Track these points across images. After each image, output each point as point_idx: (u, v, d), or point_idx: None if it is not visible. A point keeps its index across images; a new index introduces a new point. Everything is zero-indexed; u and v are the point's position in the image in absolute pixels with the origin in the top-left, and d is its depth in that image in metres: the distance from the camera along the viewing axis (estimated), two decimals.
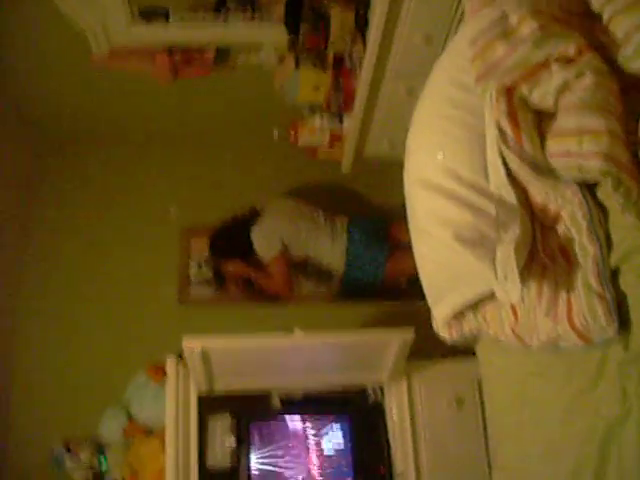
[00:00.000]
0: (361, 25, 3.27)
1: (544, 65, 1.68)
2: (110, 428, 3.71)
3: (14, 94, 4.01)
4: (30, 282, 4.08)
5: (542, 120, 1.73)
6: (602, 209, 1.69)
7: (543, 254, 1.76)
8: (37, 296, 4.04)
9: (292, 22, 3.48)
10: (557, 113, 1.69)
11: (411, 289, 3.77)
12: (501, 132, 1.69)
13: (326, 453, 3.39)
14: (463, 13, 2.91)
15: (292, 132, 3.96)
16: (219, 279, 4.17)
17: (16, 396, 3.83)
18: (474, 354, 2.50)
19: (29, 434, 3.74)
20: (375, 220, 4.07)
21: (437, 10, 2.99)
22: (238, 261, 4.02)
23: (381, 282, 3.94)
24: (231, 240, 4.00)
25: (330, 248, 3.90)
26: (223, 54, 3.82)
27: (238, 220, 4.01)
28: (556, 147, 1.66)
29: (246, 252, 3.95)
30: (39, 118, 4.26)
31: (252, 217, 3.97)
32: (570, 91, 1.65)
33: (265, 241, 3.90)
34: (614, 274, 1.64)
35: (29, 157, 4.32)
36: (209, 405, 3.36)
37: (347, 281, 3.98)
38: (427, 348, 3.26)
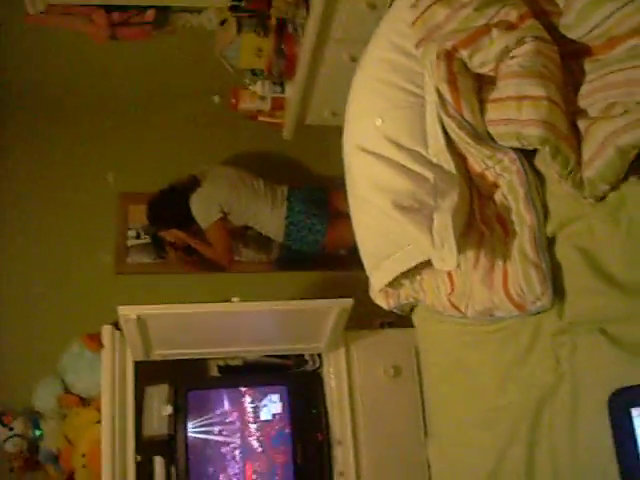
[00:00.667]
0: None
1: (485, 30, 1.66)
2: (44, 398, 3.63)
3: None
4: None
5: (482, 86, 1.72)
6: (539, 177, 1.69)
7: (480, 222, 1.76)
8: None
9: None
10: (497, 79, 1.68)
11: (351, 258, 3.77)
12: (441, 98, 1.67)
13: (264, 421, 3.38)
14: None
15: (233, 98, 3.90)
16: (158, 247, 4.11)
17: None
18: (412, 326, 2.51)
19: None
20: (315, 189, 4.07)
21: None
22: (177, 230, 3.96)
23: (321, 251, 3.94)
24: (170, 208, 3.93)
25: (270, 216, 3.88)
26: (163, 16, 3.73)
27: (177, 188, 3.94)
28: (495, 113, 1.65)
29: (185, 220, 3.90)
30: None
31: (192, 185, 3.91)
32: (510, 57, 1.63)
33: (204, 208, 3.85)
34: (550, 243, 1.65)
35: None
36: (146, 374, 3.32)
37: (287, 249, 3.97)
38: (365, 318, 3.31)
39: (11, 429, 3.58)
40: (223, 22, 3.66)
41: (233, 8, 3.50)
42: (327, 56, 3.48)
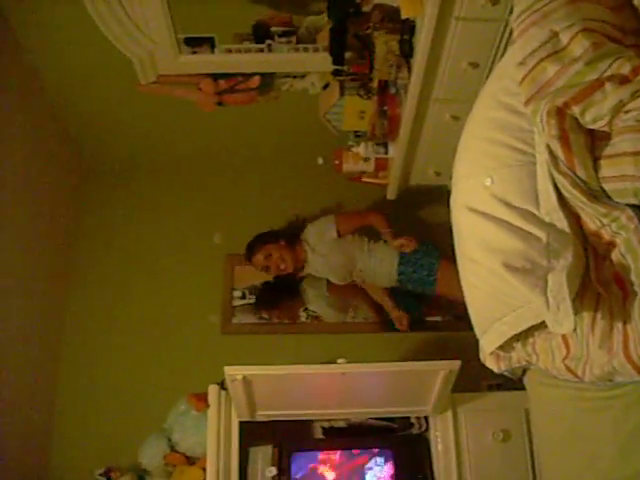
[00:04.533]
0: (406, 51, 3.23)
1: (597, 85, 1.61)
2: (151, 455, 3.69)
3: (63, 119, 4.08)
4: (76, 309, 4.11)
5: (595, 142, 1.67)
6: None
7: (597, 283, 1.68)
8: (83, 323, 4.08)
9: (337, 50, 3.47)
10: (611, 135, 1.63)
11: (457, 319, 3.71)
12: (552, 156, 1.63)
13: None
14: (510, 37, 2.89)
15: (336, 160, 3.94)
16: (263, 299, 4.15)
17: (60, 421, 3.86)
18: (521, 388, 2.42)
19: (70, 459, 3.77)
20: (423, 264, 3.96)
21: (483, 35, 2.94)
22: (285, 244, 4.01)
23: (435, 291, 3.90)
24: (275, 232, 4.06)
25: (379, 263, 3.87)
26: (267, 82, 3.83)
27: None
28: (611, 170, 1.60)
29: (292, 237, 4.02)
30: (86, 144, 4.32)
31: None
32: (625, 112, 1.58)
33: (319, 227, 3.99)
34: None
35: (74, 183, 4.37)
36: (251, 434, 3.33)
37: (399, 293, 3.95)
38: (473, 380, 3.23)
39: None
40: (326, 86, 3.73)
41: (336, 72, 3.55)
42: (429, 116, 3.48)
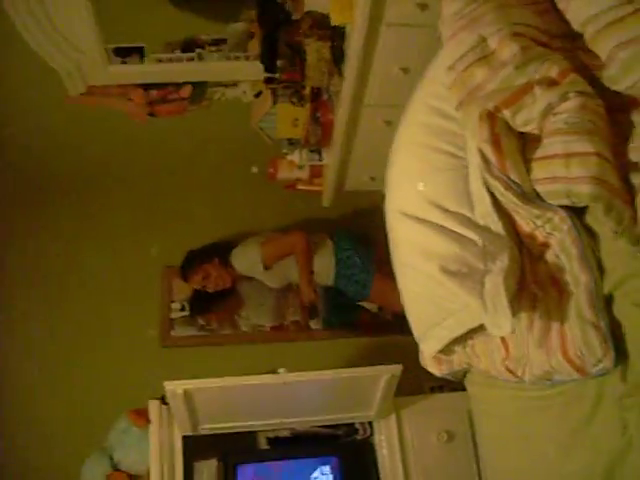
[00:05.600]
0: (337, 58, 3.25)
1: (527, 89, 1.63)
2: (92, 476, 3.60)
3: None
4: (8, 322, 3.98)
5: (526, 145, 1.69)
6: (592, 235, 1.65)
7: (533, 284, 1.70)
8: (17, 338, 3.95)
9: (268, 58, 3.46)
10: (542, 137, 1.65)
11: (396, 323, 3.72)
12: (484, 159, 1.64)
13: None
14: (439, 42, 2.92)
15: (271, 168, 3.93)
16: (197, 306, 4.11)
17: None
18: (463, 389, 2.44)
19: None
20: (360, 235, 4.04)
21: (413, 40, 2.96)
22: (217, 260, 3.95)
23: (368, 296, 3.93)
24: (207, 248, 4.00)
25: (317, 262, 3.86)
26: (199, 91, 3.80)
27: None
28: (542, 172, 1.61)
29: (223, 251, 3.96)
30: (12, 159, 4.19)
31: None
32: (554, 114, 1.60)
33: (246, 262, 3.90)
34: (608, 302, 1.58)
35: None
36: (194, 448, 3.29)
37: (333, 297, 3.94)
38: (414, 383, 3.24)
39: None
40: (258, 94, 3.72)
41: (268, 80, 3.54)
42: (362, 122, 3.49)
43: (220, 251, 3.94)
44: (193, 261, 3.93)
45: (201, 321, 4.12)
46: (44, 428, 3.76)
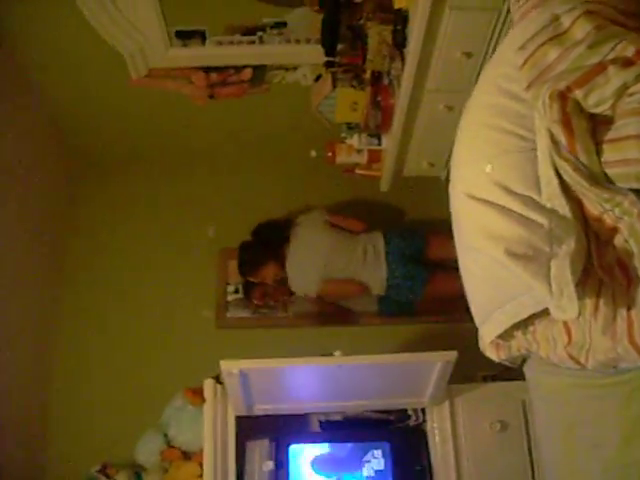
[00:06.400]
0: (399, 42, 3.22)
1: (600, 68, 1.58)
2: (147, 451, 3.68)
3: (54, 116, 4.05)
4: (68, 305, 4.08)
5: (598, 127, 1.65)
6: None
7: (599, 269, 1.66)
8: (75, 319, 4.05)
9: (329, 42, 3.45)
10: (615, 118, 1.61)
11: (454, 309, 3.70)
12: (554, 141, 1.61)
13: (366, 477, 3.31)
14: (504, 25, 2.88)
15: (329, 152, 3.93)
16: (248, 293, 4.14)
17: (54, 419, 3.84)
18: (517, 379, 2.41)
19: (66, 457, 3.74)
20: (411, 234, 4.02)
21: (476, 24, 2.94)
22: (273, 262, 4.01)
23: (420, 302, 3.91)
24: (262, 242, 4.04)
25: (369, 276, 3.88)
26: (259, 74, 3.81)
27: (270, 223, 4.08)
28: (614, 154, 1.57)
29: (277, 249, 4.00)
30: (77, 140, 4.28)
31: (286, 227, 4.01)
32: (629, 95, 1.56)
33: (302, 280, 3.96)
34: None
35: (65, 178, 4.34)
36: (247, 428, 3.31)
37: (385, 302, 3.96)
38: (468, 371, 3.22)
39: None
40: (318, 78, 3.71)
41: (328, 64, 3.53)
42: (423, 107, 3.47)
43: (277, 245, 3.95)
44: (250, 263, 4.02)
45: (255, 302, 4.16)
46: (103, 407, 3.86)
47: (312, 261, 3.91)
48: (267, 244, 4.01)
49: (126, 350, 4.00)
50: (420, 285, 3.88)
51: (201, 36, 3.64)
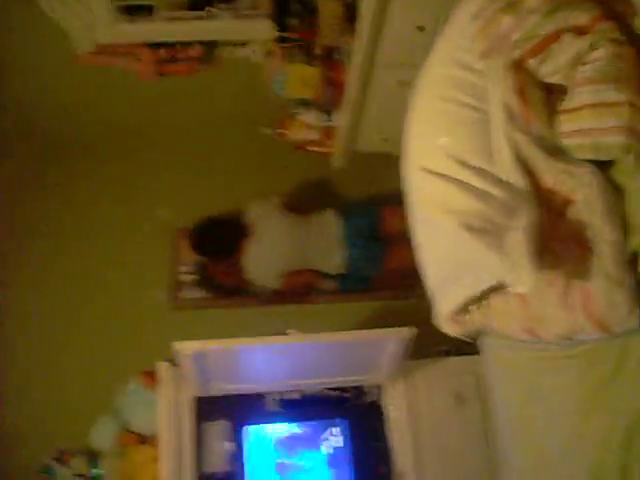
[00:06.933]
0: (350, 16, 3.19)
1: (555, 37, 1.56)
2: (102, 436, 3.63)
3: None
4: (17, 289, 3.98)
5: (552, 97, 1.63)
6: (618, 190, 1.59)
7: (555, 241, 1.65)
8: (25, 303, 3.95)
9: (280, 17, 3.40)
10: (569, 88, 1.59)
11: (411, 285, 3.70)
12: (508, 111, 1.59)
13: (325, 455, 3.32)
14: None
15: (281, 129, 3.89)
16: (204, 278, 4.08)
17: (6, 405, 3.74)
18: (471, 353, 2.42)
19: (20, 445, 3.66)
20: (367, 214, 4.01)
21: None
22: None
23: (379, 277, 3.91)
24: (215, 238, 3.97)
25: (325, 261, 3.87)
26: (209, 51, 3.74)
27: (224, 223, 3.98)
28: (568, 125, 1.56)
29: (230, 254, 3.91)
30: (19, 121, 4.15)
31: (241, 229, 3.93)
32: (583, 64, 1.55)
33: (261, 278, 3.95)
34: (634, 259, 1.54)
35: (13, 162, 4.22)
36: (204, 409, 3.29)
37: (344, 280, 3.95)
38: (425, 347, 3.23)
39: (69, 467, 3.57)
40: (270, 53, 3.65)
41: (279, 39, 3.48)
42: (375, 82, 3.45)
43: (230, 246, 3.91)
44: (203, 250, 3.98)
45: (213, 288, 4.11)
46: (55, 391, 3.78)
47: (271, 258, 3.87)
48: (226, 235, 3.96)
49: (79, 334, 3.92)
50: (379, 261, 3.87)
51: (149, 11, 3.55)
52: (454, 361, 3.44)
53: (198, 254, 4.00)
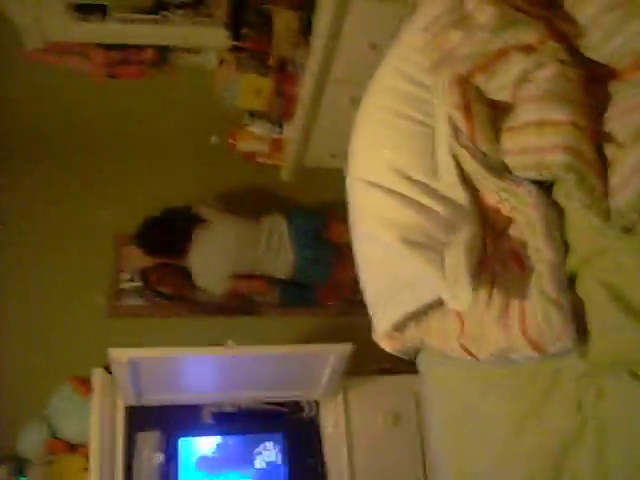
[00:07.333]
0: (305, 29, 3.19)
1: (502, 54, 1.58)
2: (30, 443, 3.52)
3: None
4: None
5: (498, 114, 1.63)
6: (558, 211, 1.60)
7: (494, 259, 1.66)
8: None
9: (235, 25, 3.38)
10: (514, 106, 1.60)
11: (352, 303, 3.71)
12: (453, 126, 1.59)
13: (258, 469, 3.28)
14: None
15: (231, 138, 3.86)
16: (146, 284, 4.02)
17: None
18: (410, 372, 2.42)
19: None
20: (313, 218, 4.02)
21: (383, 16, 2.92)
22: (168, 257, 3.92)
23: (322, 289, 3.90)
24: (164, 233, 3.88)
25: (275, 263, 3.83)
26: (161, 55, 3.70)
27: (173, 214, 3.92)
28: (512, 143, 1.57)
29: (177, 251, 3.85)
30: None
31: (189, 220, 3.86)
32: (530, 82, 1.55)
33: (208, 280, 3.87)
34: (571, 280, 1.55)
35: None
36: (137, 420, 3.23)
37: (287, 291, 3.92)
38: (363, 364, 3.22)
39: None
40: (222, 62, 3.63)
41: (233, 48, 3.46)
42: (327, 97, 3.45)
43: (180, 240, 3.86)
44: (148, 246, 3.89)
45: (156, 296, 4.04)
46: None
47: (217, 259, 3.81)
48: (175, 232, 3.90)
49: (12, 336, 3.80)
50: (328, 265, 3.86)
51: (102, 11, 3.50)
52: (392, 380, 3.43)
53: (145, 250, 3.90)
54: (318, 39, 3.06)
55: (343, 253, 3.74)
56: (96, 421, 3.14)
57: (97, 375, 3.22)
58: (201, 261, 3.80)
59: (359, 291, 2.09)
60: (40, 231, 4.06)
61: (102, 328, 3.84)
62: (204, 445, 3.29)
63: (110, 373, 3.10)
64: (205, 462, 3.26)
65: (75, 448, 3.49)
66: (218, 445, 3.30)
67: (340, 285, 3.88)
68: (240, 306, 4.01)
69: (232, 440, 3.33)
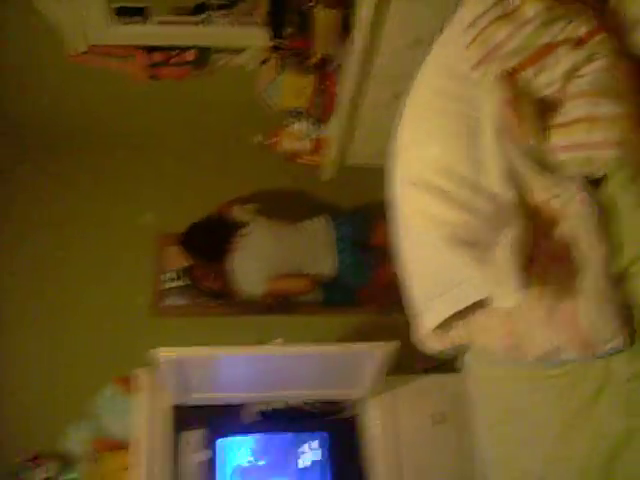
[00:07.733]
0: (347, 27, 3.17)
1: (550, 48, 1.55)
2: (77, 441, 3.59)
3: None
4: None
5: (547, 110, 1.60)
6: (609, 207, 1.57)
7: (543, 257, 1.63)
8: (4, 305, 3.88)
9: (275, 25, 3.38)
10: (564, 101, 1.57)
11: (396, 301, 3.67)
12: (500, 122, 1.56)
13: (302, 468, 3.28)
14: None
15: (273, 138, 3.86)
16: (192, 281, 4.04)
17: None
18: (455, 371, 2.39)
19: None
20: (360, 223, 4.00)
21: (426, 11, 2.89)
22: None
23: (364, 290, 3.89)
24: (207, 239, 3.90)
25: (315, 267, 3.83)
26: (203, 56, 3.71)
27: (220, 221, 3.94)
28: (562, 139, 1.53)
29: (220, 257, 3.87)
30: (12, 120, 4.11)
31: (231, 226, 3.87)
32: (579, 76, 1.52)
33: (248, 285, 3.87)
34: (622, 278, 1.51)
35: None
36: (183, 418, 3.25)
37: (330, 291, 3.91)
38: (408, 363, 3.19)
39: (43, 473, 3.51)
40: (264, 62, 3.63)
41: (274, 48, 3.46)
42: (369, 94, 3.43)
43: (221, 245, 3.88)
44: (193, 251, 3.93)
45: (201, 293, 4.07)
46: (34, 396, 3.71)
47: (256, 268, 3.83)
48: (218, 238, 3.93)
49: (58, 338, 3.85)
50: (370, 268, 3.85)
51: (144, 14, 3.53)
52: (437, 378, 3.41)
53: (191, 255, 3.94)
54: (359, 36, 3.04)
55: (386, 254, 3.72)
56: (142, 419, 3.18)
57: (141, 375, 3.25)
58: (241, 266, 3.82)
59: (401, 291, 2.08)
60: (84, 233, 4.11)
61: (147, 328, 3.87)
62: (244, 450, 3.30)
63: (155, 372, 3.12)
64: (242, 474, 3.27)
65: (120, 446, 3.53)
66: (259, 447, 3.30)
67: (382, 286, 3.86)
68: (280, 305, 4.01)
69: (275, 439, 3.33)
